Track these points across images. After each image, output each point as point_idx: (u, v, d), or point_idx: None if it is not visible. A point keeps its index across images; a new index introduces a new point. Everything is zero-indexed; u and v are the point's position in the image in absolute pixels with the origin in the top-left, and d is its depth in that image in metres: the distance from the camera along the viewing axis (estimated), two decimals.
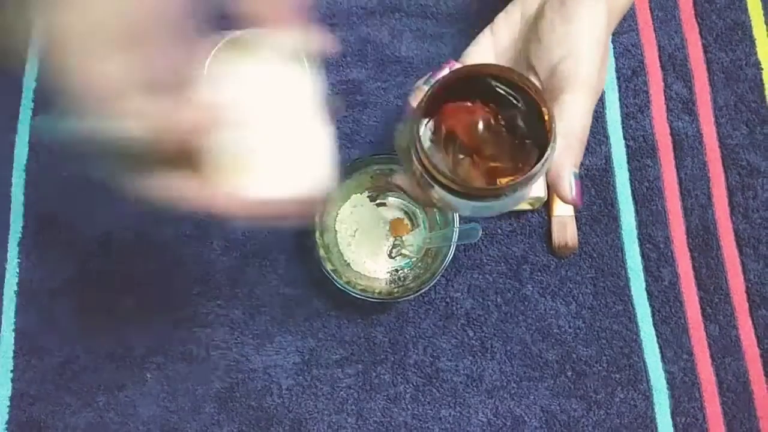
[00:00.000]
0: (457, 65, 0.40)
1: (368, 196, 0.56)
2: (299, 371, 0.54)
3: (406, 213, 0.56)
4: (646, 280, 0.56)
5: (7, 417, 0.54)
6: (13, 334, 0.56)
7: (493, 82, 0.36)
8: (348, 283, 0.52)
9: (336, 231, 0.56)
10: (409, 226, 0.56)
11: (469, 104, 0.36)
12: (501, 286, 0.56)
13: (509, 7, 0.42)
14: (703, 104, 0.60)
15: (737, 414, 0.53)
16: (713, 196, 0.57)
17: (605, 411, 0.53)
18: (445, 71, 0.38)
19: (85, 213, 0.58)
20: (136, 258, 0.57)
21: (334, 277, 0.52)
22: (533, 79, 0.38)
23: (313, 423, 0.53)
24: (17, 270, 0.57)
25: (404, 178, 0.40)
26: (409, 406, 0.53)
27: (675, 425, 0.53)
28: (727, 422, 0.53)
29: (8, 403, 0.54)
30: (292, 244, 0.57)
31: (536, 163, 0.33)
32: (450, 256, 0.51)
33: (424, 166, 0.35)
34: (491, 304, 0.55)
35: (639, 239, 0.56)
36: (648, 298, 0.55)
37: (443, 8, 0.62)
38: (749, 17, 0.62)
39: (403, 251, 0.56)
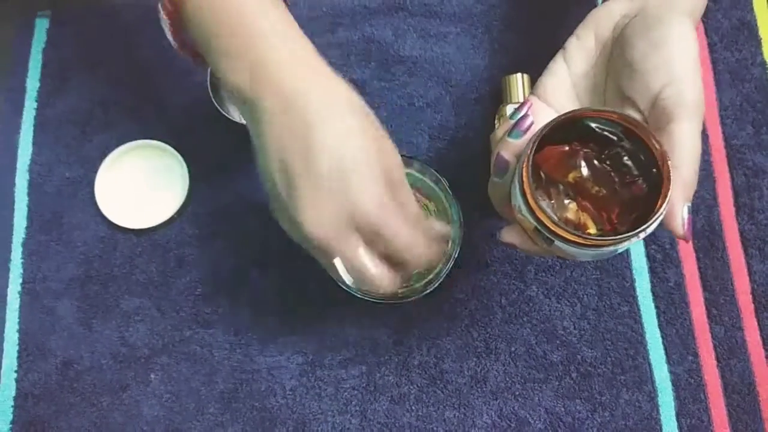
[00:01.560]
0: (535, 102, 0.39)
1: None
2: (303, 372, 0.54)
3: None
4: (652, 281, 0.55)
5: (11, 417, 0.54)
6: (17, 334, 0.56)
7: (592, 124, 0.35)
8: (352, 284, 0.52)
9: None
10: None
11: (566, 148, 0.36)
12: (505, 287, 0.55)
13: (580, 31, 0.40)
14: (709, 104, 0.59)
15: (742, 416, 0.53)
16: (719, 197, 0.57)
17: (610, 413, 0.53)
18: (524, 112, 0.37)
19: (88, 213, 0.58)
20: (139, 258, 0.57)
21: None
22: (631, 111, 0.37)
23: (316, 424, 0.53)
24: (21, 271, 0.57)
25: (513, 234, 0.38)
26: (413, 407, 0.53)
27: (680, 427, 0.53)
28: (732, 424, 0.53)
29: (12, 403, 0.55)
30: (296, 244, 0.57)
31: (658, 201, 0.32)
32: (454, 256, 0.51)
33: (542, 223, 0.34)
34: (495, 305, 0.55)
35: (644, 240, 0.56)
36: (653, 300, 0.55)
37: (447, 7, 0.62)
38: (755, 16, 0.61)
39: None
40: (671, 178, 0.33)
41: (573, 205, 0.35)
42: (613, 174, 0.35)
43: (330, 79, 0.40)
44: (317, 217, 0.37)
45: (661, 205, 0.33)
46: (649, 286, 0.55)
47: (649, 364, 0.54)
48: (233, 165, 0.59)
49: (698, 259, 0.56)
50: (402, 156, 0.54)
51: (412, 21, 0.62)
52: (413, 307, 0.55)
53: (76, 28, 0.63)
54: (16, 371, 0.55)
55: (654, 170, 0.34)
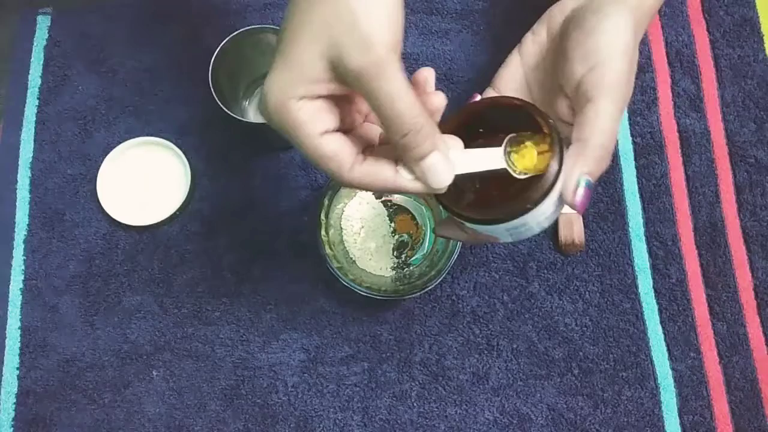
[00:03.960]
0: (491, 94, 0.41)
1: (373, 193, 0.56)
2: (305, 369, 0.54)
3: (411, 210, 0.56)
4: (654, 278, 0.55)
5: (13, 414, 0.54)
6: (19, 331, 0.56)
7: (494, 114, 0.36)
8: (353, 280, 0.52)
9: (342, 228, 0.55)
10: (415, 223, 0.56)
11: (480, 141, 0.36)
12: (507, 284, 0.55)
13: (535, 26, 0.42)
14: (711, 101, 0.59)
15: (745, 412, 0.53)
16: (721, 194, 0.57)
17: (612, 409, 0.53)
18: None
19: (90, 210, 0.58)
20: (141, 255, 0.57)
21: (340, 274, 0.52)
22: (562, 98, 0.38)
23: (318, 421, 0.53)
24: (23, 267, 0.57)
25: (445, 226, 0.40)
26: (414, 404, 0.53)
27: (682, 424, 0.53)
28: (734, 421, 0.53)
29: (14, 400, 0.55)
30: (298, 241, 0.57)
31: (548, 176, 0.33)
32: (456, 253, 0.51)
33: (445, 206, 0.36)
34: (497, 302, 0.55)
35: (646, 237, 0.56)
36: (655, 296, 0.55)
37: (449, 4, 0.62)
38: (757, 13, 0.61)
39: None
40: (558, 152, 0.34)
41: (490, 190, 0.36)
42: (517, 155, 0.35)
43: None
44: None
45: (543, 176, 0.33)
46: (651, 282, 0.55)
47: (651, 361, 0.54)
48: (235, 162, 0.59)
49: (700, 255, 0.56)
50: None
51: (413, 18, 0.62)
52: (415, 303, 0.55)
53: (78, 25, 0.63)
54: (18, 368, 0.55)
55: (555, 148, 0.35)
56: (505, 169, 0.35)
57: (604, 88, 0.35)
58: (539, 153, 0.35)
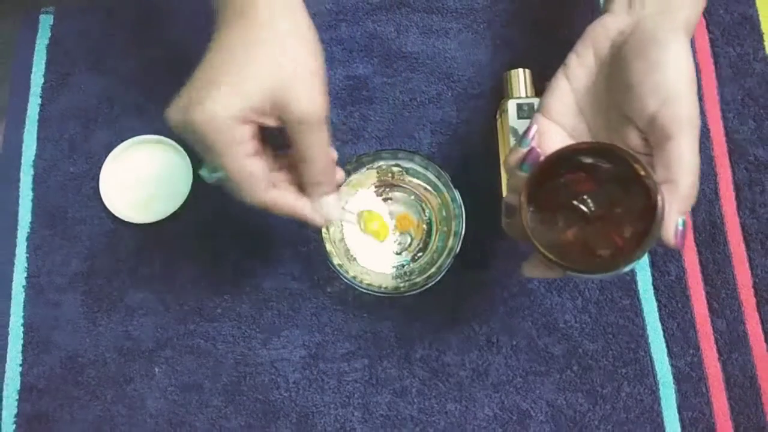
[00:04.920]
0: (541, 121, 0.41)
1: (374, 191, 0.56)
2: (306, 365, 0.55)
3: (411, 208, 0.56)
4: (653, 275, 0.56)
5: (15, 410, 0.55)
6: (21, 328, 0.56)
7: (581, 156, 0.37)
8: (354, 277, 0.52)
9: (343, 225, 0.56)
10: (415, 222, 0.56)
11: (561, 179, 0.38)
12: (507, 281, 0.56)
13: (579, 48, 0.41)
14: (710, 99, 0.59)
15: (744, 409, 0.53)
16: (720, 191, 0.57)
17: (611, 405, 0.53)
18: (530, 143, 0.39)
19: (92, 208, 0.58)
20: (143, 252, 0.57)
21: (341, 271, 0.52)
22: (632, 130, 0.38)
23: (319, 416, 0.54)
24: (26, 265, 0.58)
25: (532, 267, 0.40)
26: (415, 400, 0.54)
27: (681, 420, 0.53)
28: (734, 417, 0.53)
29: (17, 397, 0.55)
30: (299, 238, 0.57)
31: (650, 223, 0.34)
32: (456, 250, 0.52)
33: (551, 260, 0.37)
34: (497, 299, 0.55)
35: None
36: (654, 293, 0.55)
37: (449, 3, 0.62)
38: (757, 11, 0.61)
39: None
40: (660, 197, 0.34)
41: (580, 233, 0.37)
42: (609, 198, 0.37)
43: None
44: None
45: (651, 227, 0.34)
46: (650, 279, 0.55)
47: (651, 358, 0.54)
48: None
49: (699, 253, 0.56)
50: (404, 151, 0.54)
51: (414, 17, 0.62)
52: (415, 300, 0.55)
53: (80, 24, 0.63)
54: (20, 365, 0.56)
55: (647, 191, 0.36)
56: (614, 221, 0.37)
57: (683, 123, 0.35)
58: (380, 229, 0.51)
